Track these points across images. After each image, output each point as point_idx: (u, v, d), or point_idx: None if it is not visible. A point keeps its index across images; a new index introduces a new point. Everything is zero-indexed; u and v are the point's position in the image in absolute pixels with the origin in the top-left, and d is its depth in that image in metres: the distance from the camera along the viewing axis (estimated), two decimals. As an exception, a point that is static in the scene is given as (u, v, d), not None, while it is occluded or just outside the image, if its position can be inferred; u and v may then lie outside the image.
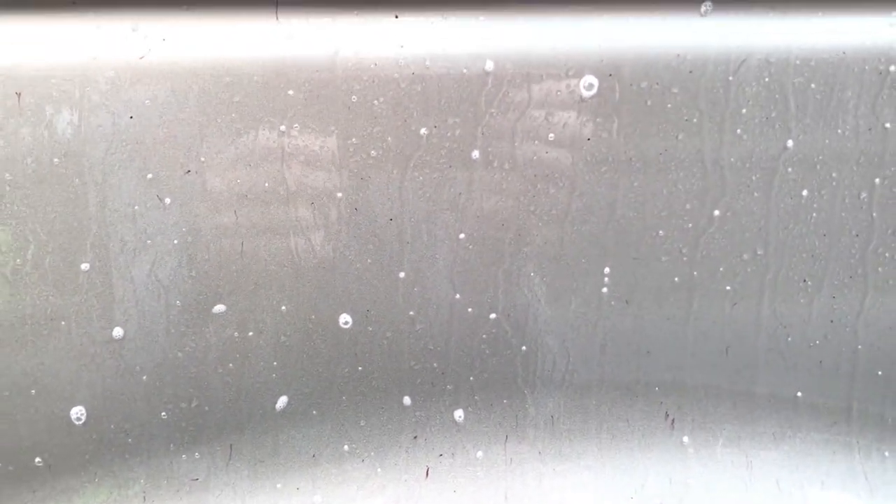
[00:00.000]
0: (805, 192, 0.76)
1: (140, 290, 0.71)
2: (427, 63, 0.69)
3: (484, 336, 0.77)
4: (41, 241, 0.68)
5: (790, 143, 0.74)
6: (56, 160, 0.67)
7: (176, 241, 0.70)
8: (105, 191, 0.68)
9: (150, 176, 0.68)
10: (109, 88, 0.66)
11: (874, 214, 0.77)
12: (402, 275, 0.74)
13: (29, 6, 0.65)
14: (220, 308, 0.73)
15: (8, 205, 0.67)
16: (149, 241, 0.70)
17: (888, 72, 0.73)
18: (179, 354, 0.73)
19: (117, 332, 0.72)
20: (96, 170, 0.68)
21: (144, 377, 0.73)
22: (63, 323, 0.70)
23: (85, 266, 0.70)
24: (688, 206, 0.75)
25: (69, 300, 0.70)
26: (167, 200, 0.69)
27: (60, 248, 0.69)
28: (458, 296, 0.75)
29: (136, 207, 0.69)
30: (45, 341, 0.70)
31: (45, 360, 0.71)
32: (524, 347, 0.78)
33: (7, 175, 0.67)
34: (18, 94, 0.66)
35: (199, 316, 0.72)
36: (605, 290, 0.77)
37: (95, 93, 0.66)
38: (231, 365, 0.74)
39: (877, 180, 0.76)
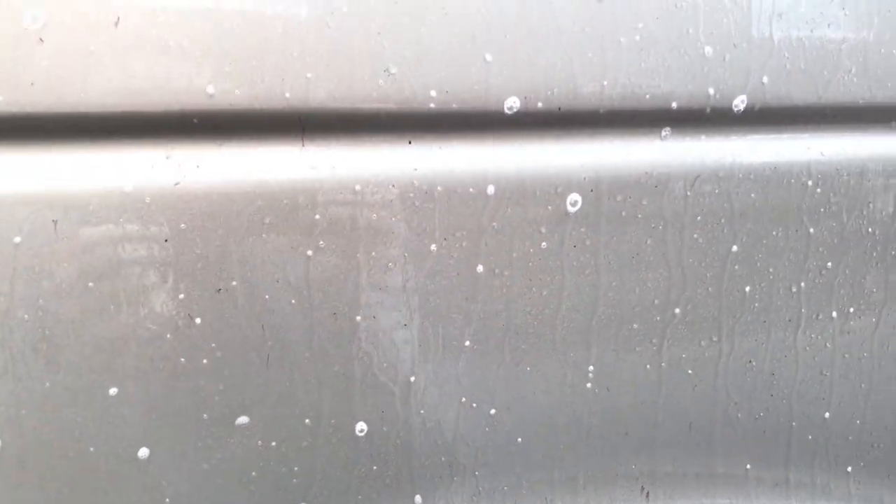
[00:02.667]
0: (748, 288, 0.89)
1: (168, 409, 0.72)
2: (437, 184, 0.76)
3: (487, 429, 0.83)
4: (72, 363, 0.69)
5: (735, 246, 0.87)
6: (91, 284, 0.68)
7: (205, 361, 0.73)
8: (138, 312, 0.70)
9: (182, 296, 0.71)
10: (145, 214, 0.69)
11: (802, 304, 0.91)
12: (412, 378, 0.80)
13: (65, 135, 0.67)
14: (243, 420, 0.75)
15: (40, 329, 0.68)
16: (182, 360, 0.72)
17: (807, 185, 0.88)
18: (205, 467, 0.74)
19: (143, 452, 0.72)
20: (130, 292, 0.69)
21: (168, 495, 0.74)
22: (91, 448, 0.71)
23: (114, 390, 0.70)
24: (656, 302, 0.86)
25: (97, 423, 0.70)
26: (198, 320, 0.72)
27: (90, 370, 0.70)
28: (463, 398, 0.81)
29: (168, 328, 0.71)
30: (71, 464, 0.70)
31: (69, 482, 0.70)
32: (520, 439, 0.85)
33: (41, 300, 0.67)
34: (55, 222, 0.67)
35: (223, 428, 0.74)
36: (589, 384, 0.85)
37: (131, 219, 0.69)
38: (253, 473, 0.76)
39: (802, 281, 0.90)
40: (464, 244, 0.78)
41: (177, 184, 0.70)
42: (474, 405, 0.82)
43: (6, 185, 0.66)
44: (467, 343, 0.80)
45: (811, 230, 0.89)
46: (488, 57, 0.73)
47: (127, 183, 0.68)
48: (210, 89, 0.67)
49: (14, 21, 0.63)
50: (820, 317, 0.92)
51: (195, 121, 0.69)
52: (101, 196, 0.68)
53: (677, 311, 0.87)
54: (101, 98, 0.66)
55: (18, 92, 0.64)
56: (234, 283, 0.72)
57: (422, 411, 0.81)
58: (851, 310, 0.93)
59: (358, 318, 0.77)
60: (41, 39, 0.64)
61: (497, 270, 0.80)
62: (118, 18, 0.65)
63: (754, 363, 0.91)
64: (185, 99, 0.67)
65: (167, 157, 0.70)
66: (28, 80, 0.64)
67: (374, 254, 0.76)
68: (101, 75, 0.66)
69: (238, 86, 0.68)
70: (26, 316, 0.68)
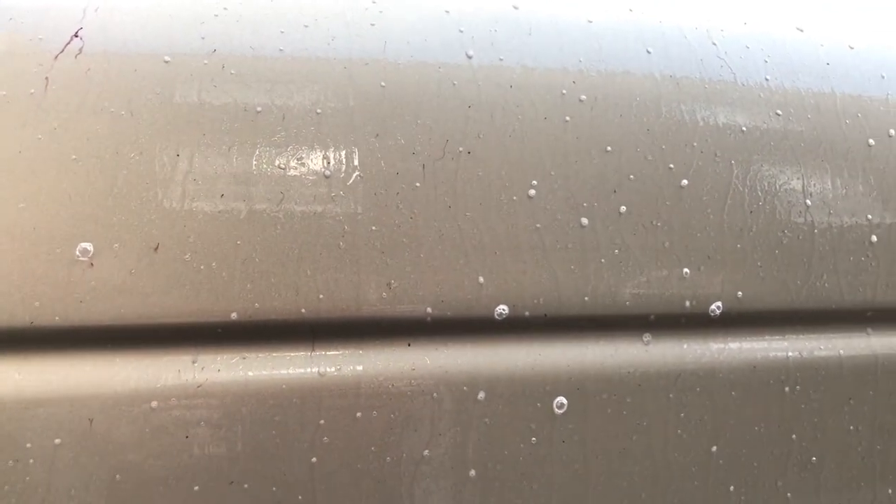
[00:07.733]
0: (732, 488, 0.93)
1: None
2: (433, 385, 0.84)
3: None
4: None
5: (715, 447, 0.92)
6: (118, 476, 0.76)
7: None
8: None
9: (196, 488, 0.78)
10: (170, 412, 0.78)
11: (790, 500, 0.95)
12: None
13: (106, 344, 0.77)
14: None
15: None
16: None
17: (786, 384, 0.94)
18: None
19: None
20: (153, 487, 0.77)
21: None
22: None
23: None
24: (643, 496, 0.91)
25: None
26: (211, 509, 0.79)
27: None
28: None
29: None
30: None
31: None
32: None
33: (73, 491, 0.75)
34: (90, 420, 0.76)
35: None
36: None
37: (158, 417, 0.77)
38: None
39: (779, 481, 0.94)
40: (457, 440, 0.85)
41: (199, 386, 0.79)
42: None
43: (51, 389, 0.76)
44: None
45: (793, 437, 0.94)
46: (481, 279, 0.83)
47: (156, 385, 0.78)
48: (234, 315, 0.78)
49: (68, 251, 0.74)
50: (808, 511, 0.96)
51: (219, 331, 0.79)
52: (132, 397, 0.77)
53: (666, 505, 0.91)
54: (139, 311, 0.77)
55: (69, 309, 0.75)
56: (246, 482, 0.80)
57: None
58: (841, 504, 0.97)
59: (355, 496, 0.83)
60: (91, 265, 0.75)
61: (489, 465, 0.86)
62: (158, 245, 0.76)
63: (744, 557, 0.94)
64: (212, 313, 0.78)
65: (193, 362, 0.79)
66: (78, 299, 0.75)
67: (373, 448, 0.83)
68: (141, 292, 0.76)
69: (259, 301, 0.78)
70: (59, 506, 0.76)
